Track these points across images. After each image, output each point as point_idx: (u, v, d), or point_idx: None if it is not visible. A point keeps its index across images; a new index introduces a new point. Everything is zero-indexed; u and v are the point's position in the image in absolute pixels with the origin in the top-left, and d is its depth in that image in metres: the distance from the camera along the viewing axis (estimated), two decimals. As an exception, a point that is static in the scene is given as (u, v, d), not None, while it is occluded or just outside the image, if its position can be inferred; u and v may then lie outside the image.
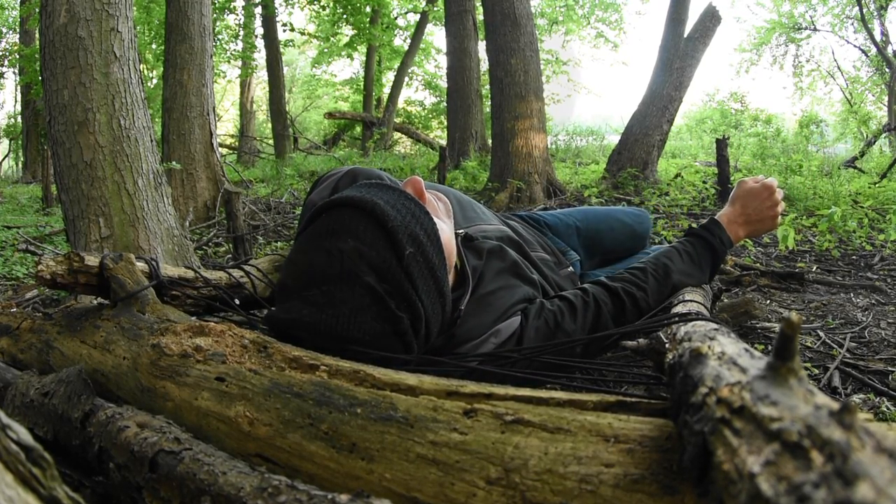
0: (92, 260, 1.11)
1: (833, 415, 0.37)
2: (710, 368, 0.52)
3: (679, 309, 1.06)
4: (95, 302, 1.19)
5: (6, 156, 12.89)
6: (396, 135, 10.06)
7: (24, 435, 0.44)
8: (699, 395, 0.49)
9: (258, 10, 10.69)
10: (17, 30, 11.53)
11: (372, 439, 0.66)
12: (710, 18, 5.54)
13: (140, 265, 1.18)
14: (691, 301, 1.10)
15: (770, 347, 1.58)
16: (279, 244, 3.35)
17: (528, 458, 0.58)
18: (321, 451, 0.68)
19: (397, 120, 9.97)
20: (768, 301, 2.14)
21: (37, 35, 4.26)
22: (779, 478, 0.35)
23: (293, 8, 11.56)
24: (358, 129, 12.01)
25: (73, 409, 0.81)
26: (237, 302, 1.32)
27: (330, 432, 0.69)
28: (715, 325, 0.77)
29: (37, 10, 2.74)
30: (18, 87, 12.39)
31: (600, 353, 1.26)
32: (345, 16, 11.08)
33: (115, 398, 0.92)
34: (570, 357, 1.09)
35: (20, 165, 12.24)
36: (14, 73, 12.61)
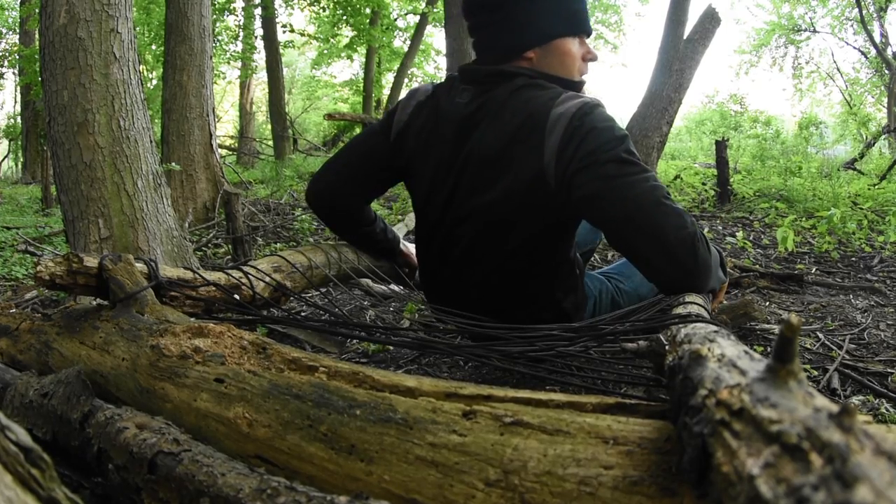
0: (91, 261, 1.11)
1: (832, 417, 0.37)
2: (709, 370, 0.52)
3: (679, 311, 1.05)
4: (94, 303, 1.19)
5: (6, 156, 12.86)
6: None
7: (24, 436, 0.44)
8: (699, 397, 0.49)
9: (258, 11, 10.68)
10: (17, 30, 11.52)
11: (371, 441, 0.66)
12: (710, 20, 5.54)
13: (139, 266, 1.18)
14: (691, 303, 1.10)
15: (769, 349, 1.58)
16: (278, 245, 3.35)
17: (527, 460, 0.58)
18: (320, 452, 0.68)
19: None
20: (768, 303, 2.14)
21: (37, 36, 4.25)
22: (778, 480, 0.35)
23: (293, 9, 11.55)
24: (357, 130, 12.01)
25: (72, 410, 0.81)
26: (237, 297, 1.32)
27: (329, 434, 0.69)
28: (714, 327, 0.77)
29: (37, 10, 2.73)
30: (18, 88, 12.37)
31: None
32: (344, 17, 11.06)
33: (114, 399, 0.92)
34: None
35: (20, 166, 12.22)
36: (14, 73, 12.59)
